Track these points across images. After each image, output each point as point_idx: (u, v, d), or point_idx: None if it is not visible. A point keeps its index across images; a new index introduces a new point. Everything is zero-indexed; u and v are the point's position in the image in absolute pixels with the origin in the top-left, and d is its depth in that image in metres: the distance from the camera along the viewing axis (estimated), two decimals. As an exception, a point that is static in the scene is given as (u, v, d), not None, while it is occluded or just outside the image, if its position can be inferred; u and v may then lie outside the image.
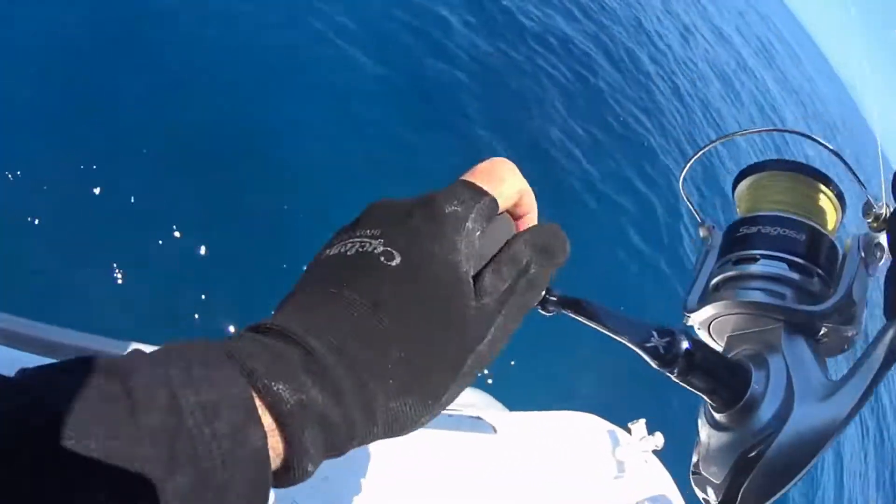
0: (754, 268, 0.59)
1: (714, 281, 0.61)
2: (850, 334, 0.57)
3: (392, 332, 0.37)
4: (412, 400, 0.37)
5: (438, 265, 0.39)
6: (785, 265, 0.58)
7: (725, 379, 0.53)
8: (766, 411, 0.51)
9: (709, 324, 0.61)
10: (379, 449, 1.27)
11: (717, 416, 0.53)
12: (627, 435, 1.69)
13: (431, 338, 0.38)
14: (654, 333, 0.52)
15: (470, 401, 1.37)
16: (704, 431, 0.55)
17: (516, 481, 1.50)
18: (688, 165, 0.71)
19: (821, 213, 0.62)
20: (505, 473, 1.50)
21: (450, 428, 1.45)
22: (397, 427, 0.37)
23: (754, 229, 0.61)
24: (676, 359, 0.51)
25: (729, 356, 0.57)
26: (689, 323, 0.62)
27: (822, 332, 0.56)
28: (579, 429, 1.70)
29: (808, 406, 0.50)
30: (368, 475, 1.23)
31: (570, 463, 1.64)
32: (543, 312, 0.59)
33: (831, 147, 0.67)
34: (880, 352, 0.49)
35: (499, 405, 1.54)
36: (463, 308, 0.39)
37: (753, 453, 0.50)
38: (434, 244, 0.40)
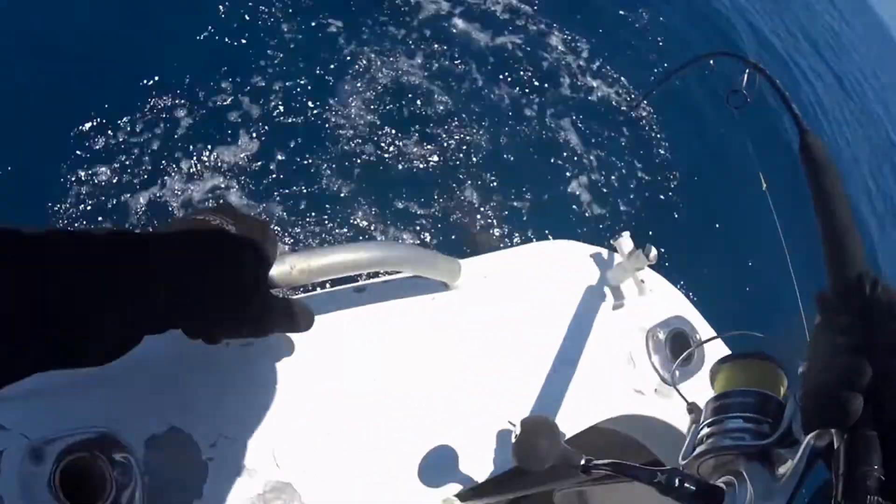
0: (721, 426, 0.87)
1: (699, 437, 0.89)
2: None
3: None
4: None
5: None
6: (741, 420, 0.86)
7: (707, 499, 0.79)
8: (734, 513, 0.76)
9: (698, 465, 0.87)
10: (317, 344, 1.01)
11: (704, 523, 0.78)
12: (615, 255, 1.43)
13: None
14: (658, 473, 0.82)
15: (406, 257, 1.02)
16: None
17: (488, 336, 1.21)
18: (678, 361, 1.03)
19: (766, 379, 0.91)
20: (472, 330, 1.20)
21: (385, 299, 1.13)
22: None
23: (720, 402, 0.91)
24: (673, 488, 0.80)
25: (711, 482, 0.82)
26: (683, 468, 0.88)
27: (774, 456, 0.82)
28: (555, 259, 1.40)
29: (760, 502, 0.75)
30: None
31: (555, 300, 1.34)
32: (585, 476, 0.90)
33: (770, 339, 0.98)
34: (803, 458, 0.75)
35: (447, 257, 1.18)
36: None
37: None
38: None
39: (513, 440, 0.92)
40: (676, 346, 1.39)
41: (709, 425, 0.89)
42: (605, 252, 1.45)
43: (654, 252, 1.33)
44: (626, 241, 1.38)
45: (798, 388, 0.86)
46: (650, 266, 1.40)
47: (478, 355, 1.18)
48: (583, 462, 0.90)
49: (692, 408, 0.96)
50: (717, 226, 6.05)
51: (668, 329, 1.40)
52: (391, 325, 1.11)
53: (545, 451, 0.90)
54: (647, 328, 1.39)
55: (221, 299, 0.63)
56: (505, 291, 1.28)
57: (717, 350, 1.41)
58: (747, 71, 2.35)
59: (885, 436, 0.64)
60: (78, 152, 3.51)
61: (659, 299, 1.45)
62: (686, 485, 0.80)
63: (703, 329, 1.45)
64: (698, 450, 0.87)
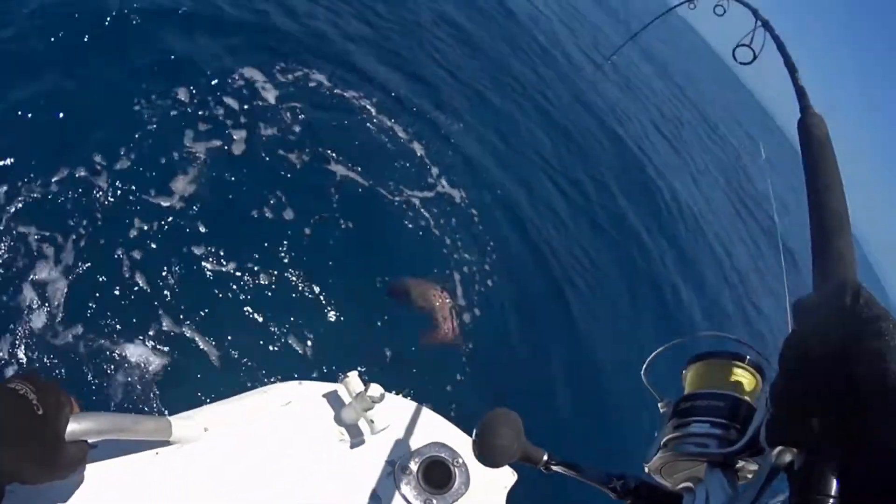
0: (688, 429, 0.87)
1: (664, 440, 0.89)
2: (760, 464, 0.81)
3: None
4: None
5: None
6: (708, 425, 0.86)
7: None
8: (691, 523, 0.76)
9: (661, 468, 0.87)
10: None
11: (660, 530, 0.78)
12: (347, 393, 1.39)
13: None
14: (614, 478, 0.82)
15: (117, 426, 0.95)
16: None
17: (214, 489, 1.17)
18: (648, 359, 1.01)
19: (739, 384, 0.90)
20: (196, 484, 1.16)
21: (111, 455, 1.11)
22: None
23: (689, 403, 0.90)
24: (628, 493, 0.80)
25: (672, 488, 0.82)
26: (648, 469, 0.88)
27: (739, 464, 0.81)
28: (284, 402, 1.35)
29: (717, 515, 0.75)
30: None
31: (288, 444, 1.29)
32: (545, 471, 0.90)
33: (744, 342, 0.96)
34: (763, 472, 0.74)
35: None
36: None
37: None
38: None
39: (473, 437, 0.92)
40: (432, 472, 1.38)
41: (674, 427, 0.89)
42: (339, 388, 1.41)
43: (380, 391, 1.30)
44: (353, 381, 1.36)
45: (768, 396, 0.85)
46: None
47: None
48: (545, 458, 0.90)
49: (664, 404, 0.96)
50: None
51: (422, 457, 1.40)
52: (117, 480, 1.11)
53: (507, 447, 0.90)
54: (396, 460, 1.38)
55: (32, 452, 0.78)
56: (232, 440, 1.25)
57: (475, 474, 1.41)
58: (756, 24, 2.23)
59: (849, 455, 0.62)
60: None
61: (407, 429, 1.43)
62: (642, 491, 0.80)
63: (464, 449, 1.43)
64: (660, 454, 0.87)
